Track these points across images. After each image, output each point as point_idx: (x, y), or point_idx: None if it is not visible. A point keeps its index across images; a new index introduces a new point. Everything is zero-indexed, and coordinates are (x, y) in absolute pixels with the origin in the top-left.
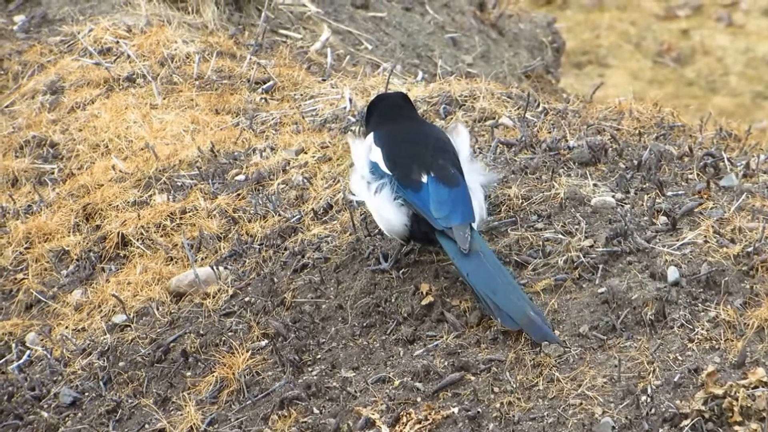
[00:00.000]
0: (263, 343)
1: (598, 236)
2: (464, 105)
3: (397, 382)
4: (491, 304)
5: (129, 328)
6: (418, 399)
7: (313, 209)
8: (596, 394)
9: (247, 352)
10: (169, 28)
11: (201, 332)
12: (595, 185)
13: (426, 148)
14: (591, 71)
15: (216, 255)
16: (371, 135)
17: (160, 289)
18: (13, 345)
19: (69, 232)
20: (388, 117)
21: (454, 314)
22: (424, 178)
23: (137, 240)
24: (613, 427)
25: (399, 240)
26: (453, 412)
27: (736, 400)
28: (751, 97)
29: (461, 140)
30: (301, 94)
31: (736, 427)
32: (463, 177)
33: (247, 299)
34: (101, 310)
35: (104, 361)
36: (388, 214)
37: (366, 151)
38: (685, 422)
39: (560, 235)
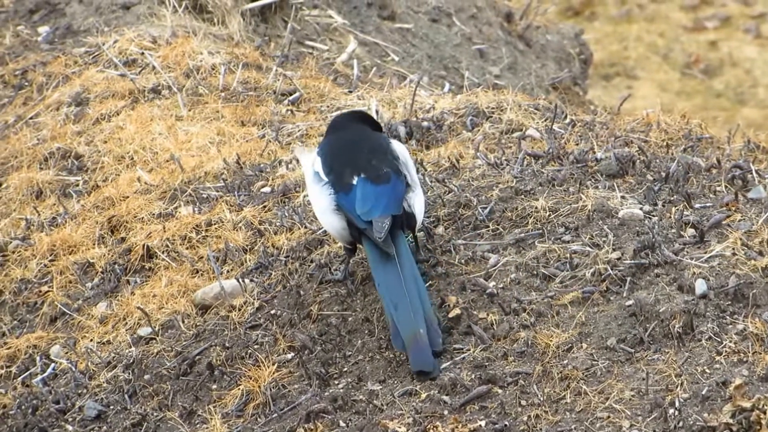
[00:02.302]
0: (289, 355)
1: (626, 249)
2: (491, 117)
3: (423, 395)
4: (391, 323)
5: (154, 341)
6: (445, 412)
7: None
8: (624, 407)
9: (273, 365)
10: (194, 39)
11: (227, 345)
12: (622, 197)
13: (361, 153)
14: (619, 83)
15: (242, 267)
16: (316, 149)
17: (185, 301)
18: (38, 358)
19: (94, 245)
20: (337, 130)
21: (481, 327)
22: (355, 180)
23: (162, 252)
24: None
25: (345, 245)
26: (480, 426)
27: (764, 413)
28: None
29: (399, 148)
30: (328, 106)
31: None
32: (399, 176)
33: (273, 312)
34: (126, 323)
35: (129, 374)
36: (329, 219)
37: (311, 162)
38: None
39: (588, 248)
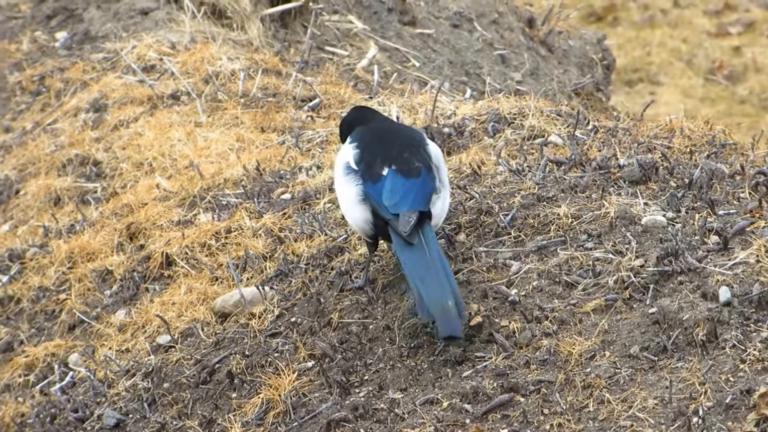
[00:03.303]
0: (310, 364)
1: (649, 256)
2: (513, 123)
3: (445, 404)
4: (416, 294)
5: (173, 349)
6: (467, 421)
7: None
8: (647, 415)
9: (294, 373)
10: (213, 45)
11: (246, 353)
12: (645, 204)
13: (394, 145)
14: (642, 89)
15: (261, 275)
16: (348, 140)
17: (204, 309)
18: (56, 366)
19: (112, 252)
20: (362, 122)
21: (503, 335)
22: (385, 171)
23: (182, 260)
24: None
25: (366, 239)
26: None
27: None
28: None
29: (434, 150)
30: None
31: None
32: (430, 173)
33: (293, 319)
34: (145, 331)
35: (148, 382)
36: (354, 211)
37: (342, 153)
38: None
39: (610, 255)
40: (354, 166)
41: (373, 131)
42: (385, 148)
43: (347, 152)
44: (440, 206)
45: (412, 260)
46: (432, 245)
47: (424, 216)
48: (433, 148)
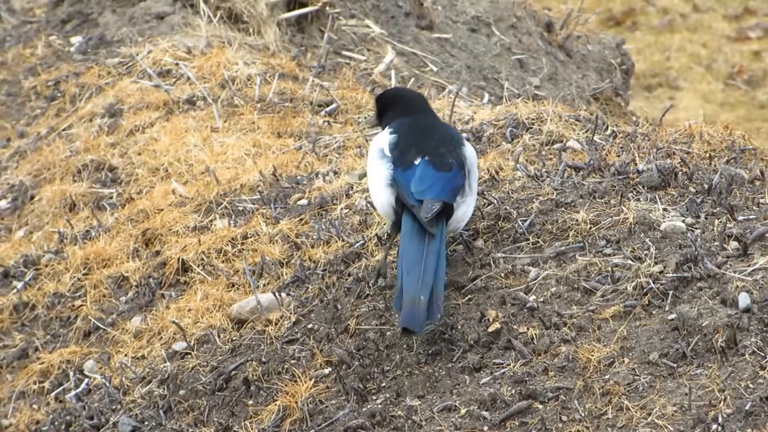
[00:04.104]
0: (327, 370)
1: (668, 262)
2: (531, 128)
3: (463, 411)
4: (398, 286)
5: (189, 356)
6: (485, 428)
7: (376, 234)
8: (666, 422)
9: (310, 380)
10: (229, 49)
11: (263, 360)
12: (664, 210)
13: (432, 138)
14: (661, 94)
15: (278, 281)
16: (387, 127)
17: (221, 315)
18: (71, 373)
19: (128, 258)
20: (406, 112)
21: (522, 341)
22: (417, 161)
23: (198, 266)
24: None
25: (390, 223)
26: None
27: None
28: None
29: (470, 154)
30: (365, 117)
31: None
32: (462, 169)
33: (310, 326)
34: (161, 338)
35: (164, 389)
36: (380, 194)
37: (378, 139)
38: None
39: (629, 261)
40: (387, 153)
41: (414, 124)
42: (422, 140)
43: (383, 138)
44: (462, 211)
45: (409, 253)
46: (436, 241)
47: (445, 211)
48: (470, 151)
